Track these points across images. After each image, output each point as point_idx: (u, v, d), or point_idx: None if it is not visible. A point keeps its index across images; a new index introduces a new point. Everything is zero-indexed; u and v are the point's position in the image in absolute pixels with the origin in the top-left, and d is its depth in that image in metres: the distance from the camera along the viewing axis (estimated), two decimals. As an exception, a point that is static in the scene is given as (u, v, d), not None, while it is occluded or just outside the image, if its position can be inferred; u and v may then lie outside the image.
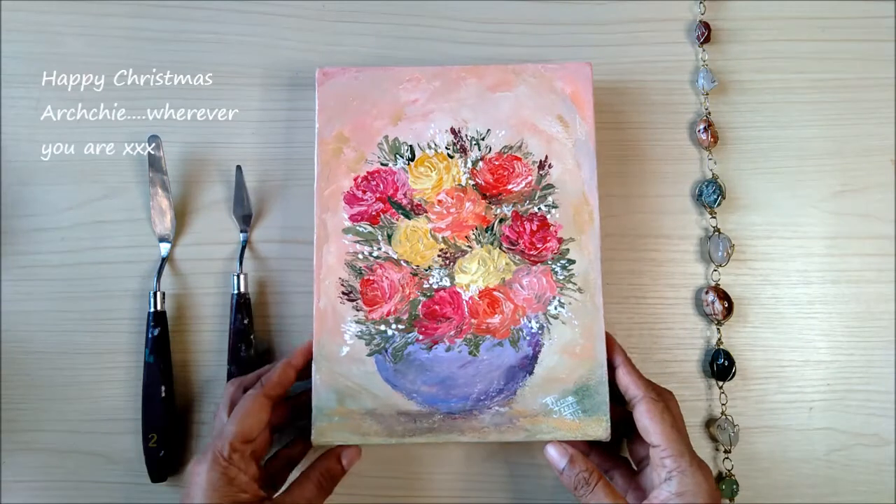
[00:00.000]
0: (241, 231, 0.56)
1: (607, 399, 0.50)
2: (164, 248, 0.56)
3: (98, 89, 0.58)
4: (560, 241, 0.52)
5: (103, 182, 0.57)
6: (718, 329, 0.56)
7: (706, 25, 0.59)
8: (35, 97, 0.58)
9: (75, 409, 0.55)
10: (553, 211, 0.53)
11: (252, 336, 0.54)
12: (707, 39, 0.59)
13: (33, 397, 0.55)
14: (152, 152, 0.56)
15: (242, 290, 0.54)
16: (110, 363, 0.55)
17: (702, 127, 0.58)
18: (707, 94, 0.59)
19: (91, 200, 0.57)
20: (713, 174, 0.58)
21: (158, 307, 0.54)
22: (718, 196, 0.56)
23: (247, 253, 0.56)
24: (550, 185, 0.53)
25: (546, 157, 0.53)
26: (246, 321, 0.54)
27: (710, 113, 0.59)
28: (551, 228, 0.53)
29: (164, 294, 0.55)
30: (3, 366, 0.55)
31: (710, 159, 0.58)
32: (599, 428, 0.50)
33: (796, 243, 0.57)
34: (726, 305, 0.55)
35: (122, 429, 0.55)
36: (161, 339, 0.54)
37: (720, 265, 0.56)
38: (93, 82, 0.58)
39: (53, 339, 0.55)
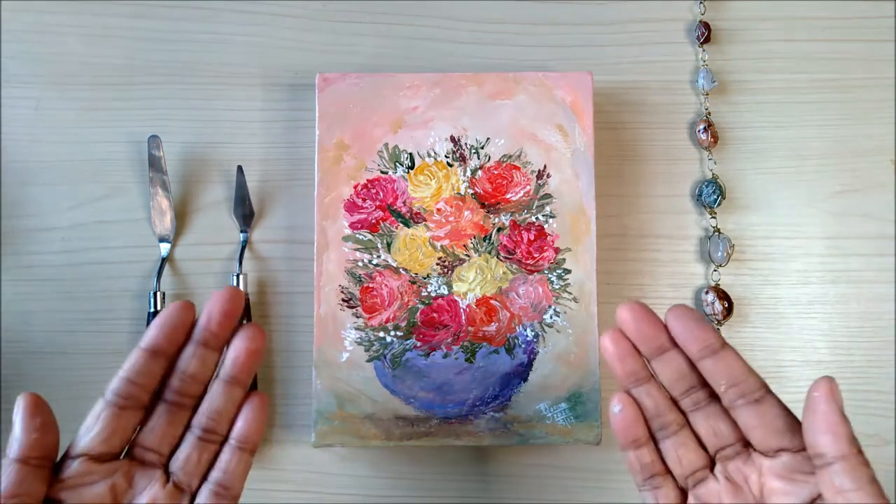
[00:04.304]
0: (242, 231, 0.56)
1: (599, 406, 0.51)
2: (164, 248, 0.56)
3: (98, 89, 0.58)
4: (557, 250, 0.53)
5: (103, 182, 0.57)
6: (718, 329, 0.56)
7: (706, 25, 0.59)
8: (35, 97, 0.58)
9: (75, 409, 0.55)
10: (550, 221, 0.53)
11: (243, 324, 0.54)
12: (707, 39, 0.59)
13: (33, 397, 0.55)
14: (152, 152, 0.56)
15: (242, 289, 0.54)
16: (110, 363, 0.55)
17: (702, 127, 0.58)
18: (707, 94, 0.59)
19: (91, 200, 0.57)
20: (713, 174, 0.58)
21: (158, 307, 0.54)
22: (718, 196, 0.56)
23: (247, 253, 0.56)
24: (548, 195, 0.53)
25: (545, 166, 0.53)
26: (245, 321, 0.54)
27: (710, 113, 0.59)
28: (548, 238, 0.53)
29: (164, 294, 0.55)
30: (3, 366, 0.55)
31: (710, 159, 0.58)
32: (591, 433, 0.51)
33: (796, 243, 0.57)
34: (726, 305, 0.55)
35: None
36: (161, 339, 0.54)
37: (720, 265, 0.56)
38: (93, 82, 0.58)
39: (53, 339, 0.55)
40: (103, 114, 0.58)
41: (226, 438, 0.40)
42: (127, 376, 0.37)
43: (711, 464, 0.39)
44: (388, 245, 0.53)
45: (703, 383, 0.38)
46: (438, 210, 0.53)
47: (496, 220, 0.53)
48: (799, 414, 0.36)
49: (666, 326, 0.38)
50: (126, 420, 0.38)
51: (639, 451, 0.39)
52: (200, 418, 0.39)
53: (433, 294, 0.52)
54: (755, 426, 0.37)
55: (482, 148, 0.54)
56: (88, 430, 0.38)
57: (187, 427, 0.40)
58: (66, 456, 0.38)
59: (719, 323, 0.56)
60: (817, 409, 0.35)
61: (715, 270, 0.57)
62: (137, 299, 0.56)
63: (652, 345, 0.38)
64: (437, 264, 0.53)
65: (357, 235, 0.53)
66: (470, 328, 0.52)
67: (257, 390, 0.48)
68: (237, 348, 0.39)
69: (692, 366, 0.38)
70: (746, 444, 0.38)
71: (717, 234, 0.57)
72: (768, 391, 0.37)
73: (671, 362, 0.38)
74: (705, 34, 0.59)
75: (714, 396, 0.38)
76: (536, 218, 0.53)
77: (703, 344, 0.37)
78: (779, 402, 0.37)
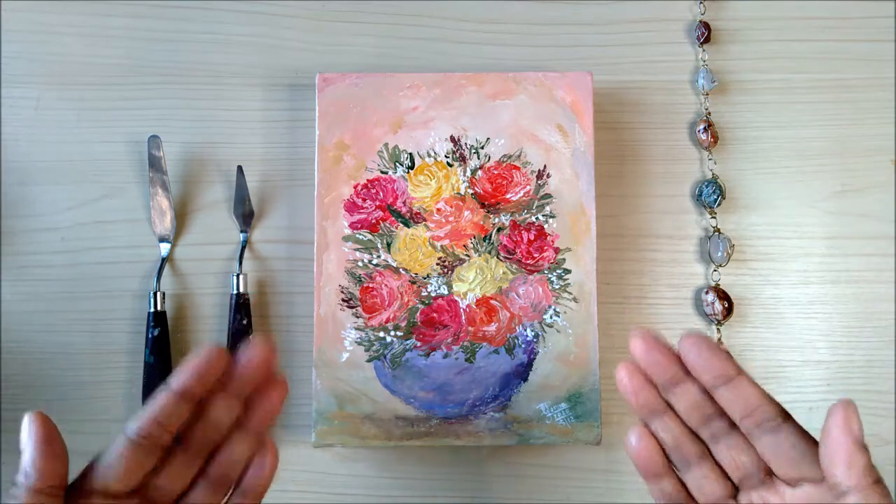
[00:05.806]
0: (242, 231, 0.56)
1: (599, 406, 0.51)
2: (164, 248, 0.56)
3: (98, 89, 0.58)
4: (557, 250, 0.53)
5: (103, 182, 0.57)
6: (718, 329, 0.56)
7: (706, 25, 0.59)
8: (35, 97, 0.58)
9: (75, 409, 0.55)
10: (550, 220, 0.53)
11: (251, 336, 0.54)
12: (707, 39, 0.59)
13: (33, 397, 0.55)
14: (152, 152, 0.56)
15: (241, 290, 0.54)
16: (110, 363, 0.55)
17: (702, 127, 0.58)
18: (707, 94, 0.59)
19: (91, 200, 0.57)
20: (713, 174, 0.58)
21: (158, 307, 0.54)
22: (718, 196, 0.56)
23: (247, 253, 0.56)
24: (548, 195, 0.53)
25: (545, 166, 0.53)
26: (245, 321, 0.54)
27: (710, 113, 0.59)
28: (548, 238, 0.53)
29: (164, 294, 0.55)
30: (3, 366, 0.55)
31: (710, 159, 0.58)
32: (591, 433, 0.51)
33: (796, 243, 0.57)
34: (726, 305, 0.55)
35: (122, 429, 0.55)
36: (161, 339, 0.54)
37: (720, 265, 0.56)
38: (93, 82, 0.58)
39: (53, 339, 0.55)
40: (103, 114, 0.58)
41: (238, 483, 0.39)
42: (154, 417, 0.37)
43: (735, 491, 0.38)
44: (388, 245, 0.53)
45: (722, 412, 0.38)
46: (438, 210, 0.53)
47: (496, 220, 0.53)
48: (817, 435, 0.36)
49: (678, 356, 0.37)
50: (146, 459, 0.37)
51: (661, 483, 0.38)
52: (217, 467, 0.39)
53: (433, 294, 0.52)
54: (773, 456, 0.36)
55: (482, 148, 0.54)
56: (108, 466, 0.37)
57: (202, 471, 0.39)
58: (81, 490, 0.37)
59: (719, 323, 0.56)
60: (831, 438, 0.34)
61: (715, 270, 0.57)
62: (137, 299, 0.56)
63: (665, 375, 0.38)
64: (437, 264, 0.53)
65: (357, 235, 0.53)
66: (470, 328, 0.52)
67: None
68: (263, 407, 0.39)
69: (709, 395, 0.37)
70: (770, 472, 0.37)
71: (717, 234, 0.57)
72: (786, 418, 0.36)
73: (686, 394, 0.38)
74: (705, 34, 0.59)
75: (735, 425, 0.38)
76: (536, 218, 0.53)
77: (717, 373, 0.36)
78: (797, 429, 0.36)
